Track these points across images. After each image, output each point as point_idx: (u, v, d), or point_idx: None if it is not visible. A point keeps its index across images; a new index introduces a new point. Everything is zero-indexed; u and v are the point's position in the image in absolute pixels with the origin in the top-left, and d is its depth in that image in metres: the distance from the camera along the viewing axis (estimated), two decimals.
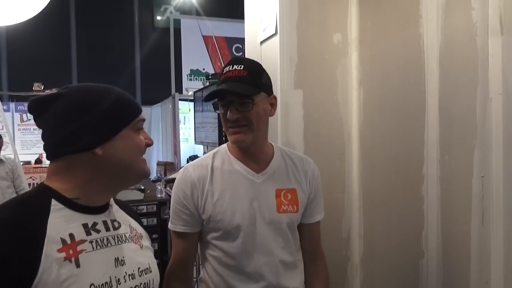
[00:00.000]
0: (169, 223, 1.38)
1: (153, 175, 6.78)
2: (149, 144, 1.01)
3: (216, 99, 1.33)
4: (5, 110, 6.69)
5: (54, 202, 0.90)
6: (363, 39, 1.80)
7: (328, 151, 1.82)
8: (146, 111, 10.56)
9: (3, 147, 4.20)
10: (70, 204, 0.91)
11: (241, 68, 1.28)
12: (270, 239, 1.32)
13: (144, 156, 1.02)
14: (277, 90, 1.75)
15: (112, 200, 1.04)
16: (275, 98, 1.36)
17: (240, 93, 1.26)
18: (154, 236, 3.17)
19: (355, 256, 1.87)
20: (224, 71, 1.30)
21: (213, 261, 1.34)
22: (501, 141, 1.17)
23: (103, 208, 0.98)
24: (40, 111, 0.95)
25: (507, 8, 1.15)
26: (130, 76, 11.98)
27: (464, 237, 1.29)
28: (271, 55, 1.82)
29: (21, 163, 5.06)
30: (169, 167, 6.20)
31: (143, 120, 1.01)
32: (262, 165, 1.36)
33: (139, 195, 3.46)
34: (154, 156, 9.64)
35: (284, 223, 1.33)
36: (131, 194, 3.40)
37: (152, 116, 10.46)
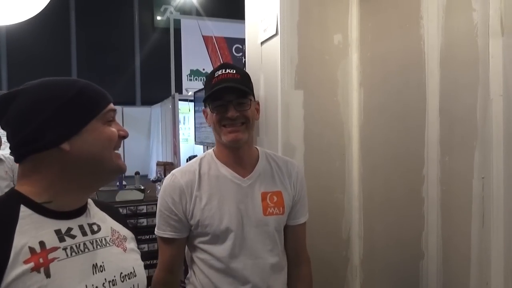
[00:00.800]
0: (156, 229, 1.39)
1: (153, 175, 6.76)
2: (123, 135, 0.94)
3: (208, 104, 1.34)
4: None
5: (23, 208, 0.83)
6: (364, 39, 1.80)
7: (329, 152, 1.82)
8: (146, 111, 10.65)
9: (2, 147, 4.19)
10: (40, 209, 0.85)
11: (234, 72, 1.33)
12: (257, 242, 1.33)
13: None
14: (277, 90, 1.75)
15: (91, 202, 0.98)
16: (258, 103, 1.43)
17: (244, 89, 1.30)
18: (154, 236, 3.17)
19: (355, 256, 1.87)
20: (216, 75, 1.33)
21: (201, 264, 1.35)
22: (502, 142, 1.17)
23: (80, 212, 0.92)
24: (1, 112, 0.88)
25: (507, 9, 1.15)
26: (130, 76, 11.97)
27: (464, 238, 1.29)
28: (271, 56, 1.82)
29: None
30: (168, 167, 6.17)
31: (114, 110, 0.94)
32: (248, 169, 1.38)
33: (139, 195, 3.46)
34: (154, 156, 9.63)
35: (271, 225, 1.35)
36: (131, 194, 3.40)
37: (152, 116, 10.44)
